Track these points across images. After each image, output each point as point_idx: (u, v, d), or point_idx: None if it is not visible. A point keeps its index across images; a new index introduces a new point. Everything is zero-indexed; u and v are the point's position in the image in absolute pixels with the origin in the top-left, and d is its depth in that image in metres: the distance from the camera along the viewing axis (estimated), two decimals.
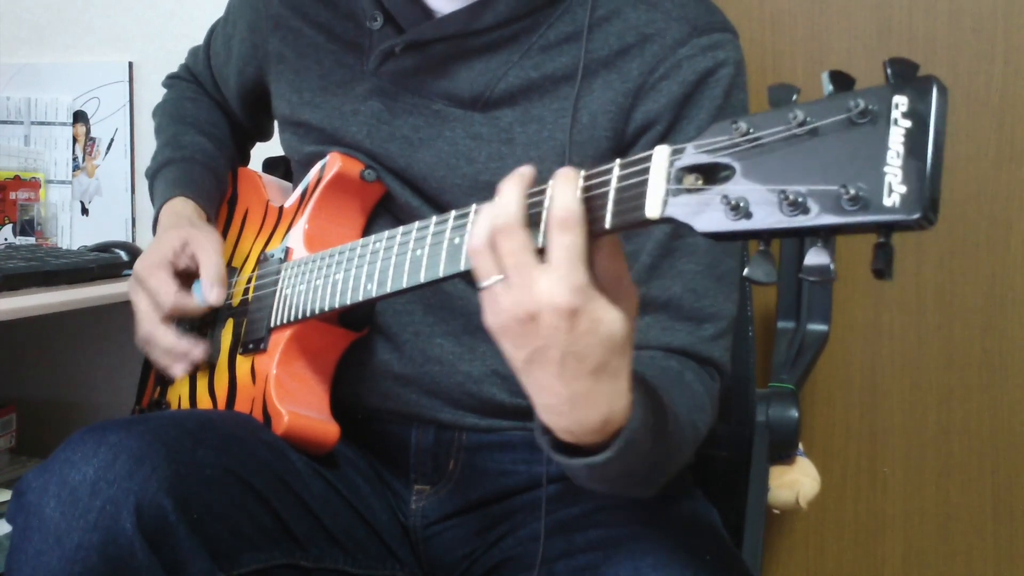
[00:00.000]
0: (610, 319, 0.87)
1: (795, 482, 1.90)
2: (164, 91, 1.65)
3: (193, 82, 1.62)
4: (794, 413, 1.81)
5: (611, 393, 0.90)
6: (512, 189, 0.90)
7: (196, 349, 1.32)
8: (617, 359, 0.89)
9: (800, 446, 1.92)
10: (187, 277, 1.34)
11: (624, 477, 0.97)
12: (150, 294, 1.32)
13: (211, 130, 1.54)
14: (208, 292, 1.31)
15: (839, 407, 2.16)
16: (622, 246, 0.90)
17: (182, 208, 1.41)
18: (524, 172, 0.91)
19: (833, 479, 2.15)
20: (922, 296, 2.09)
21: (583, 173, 0.88)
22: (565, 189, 0.87)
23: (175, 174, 1.46)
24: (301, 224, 1.31)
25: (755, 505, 1.54)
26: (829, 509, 2.17)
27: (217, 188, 1.49)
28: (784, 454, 1.90)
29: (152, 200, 1.50)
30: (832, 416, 2.17)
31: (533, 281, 0.86)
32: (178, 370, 1.33)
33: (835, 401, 2.16)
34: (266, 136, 1.62)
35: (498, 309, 0.89)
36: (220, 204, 1.50)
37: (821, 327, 2.04)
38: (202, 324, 1.40)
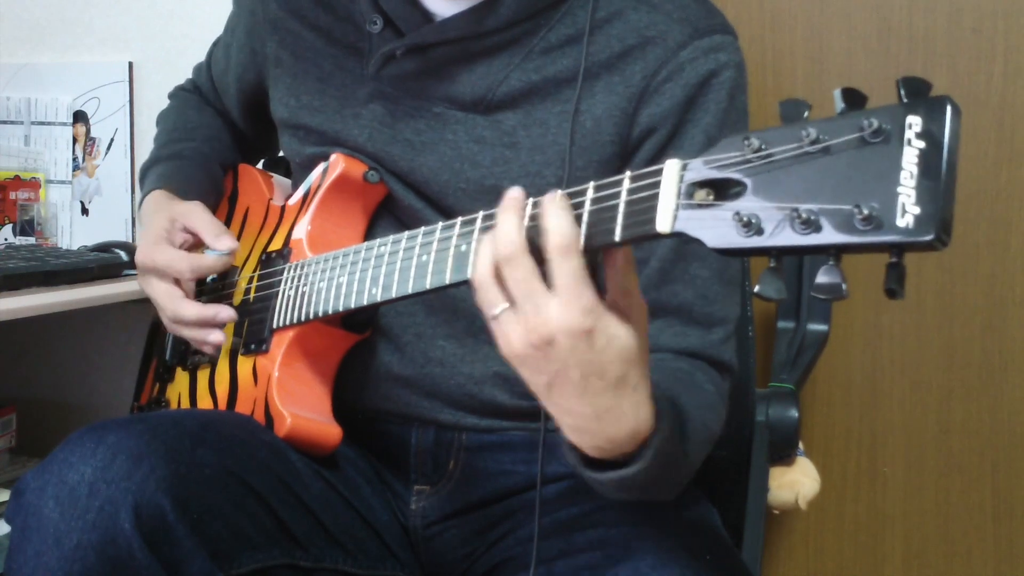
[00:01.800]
0: (623, 333, 0.89)
1: (795, 482, 1.90)
2: (167, 99, 1.65)
3: (197, 94, 1.62)
4: (794, 413, 1.81)
5: (634, 404, 0.91)
6: (510, 217, 0.90)
7: (223, 312, 1.30)
8: (635, 371, 0.90)
9: (800, 446, 1.92)
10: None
11: (653, 484, 0.98)
12: (163, 272, 1.30)
13: (211, 134, 1.54)
14: (217, 243, 1.30)
15: (839, 407, 2.16)
16: (632, 254, 0.91)
17: (160, 196, 1.41)
18: (517, 197, 0.92)
19: (833, 479, 2.15)
20: (922, 296, 2.09)
21: (592, 184, 0.89)
22: (559, 214, 0.88)
23: (164, 170, 1.46)
24: (304, 224, 1.31)
25: (755, 505, 1.54)
26: (829, 509, 2.17)
27: (209, 187, 1.48)
28: (784, 454, 1.90)
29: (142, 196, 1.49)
30: (832, 416, 2.17)
31: (543, 307, 0.87)
32: (214, 338, 1.30)
33: (835, 401, 2.16)
34: (273, 150, 1.62)
35: (513, 338, 0.89)
36: (214, 203, 1.49)
37: (821, 327, 2.04)
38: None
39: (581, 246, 0.88)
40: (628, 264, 0.90)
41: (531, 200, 0.92)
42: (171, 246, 1.32)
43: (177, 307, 1.31)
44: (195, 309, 1.30)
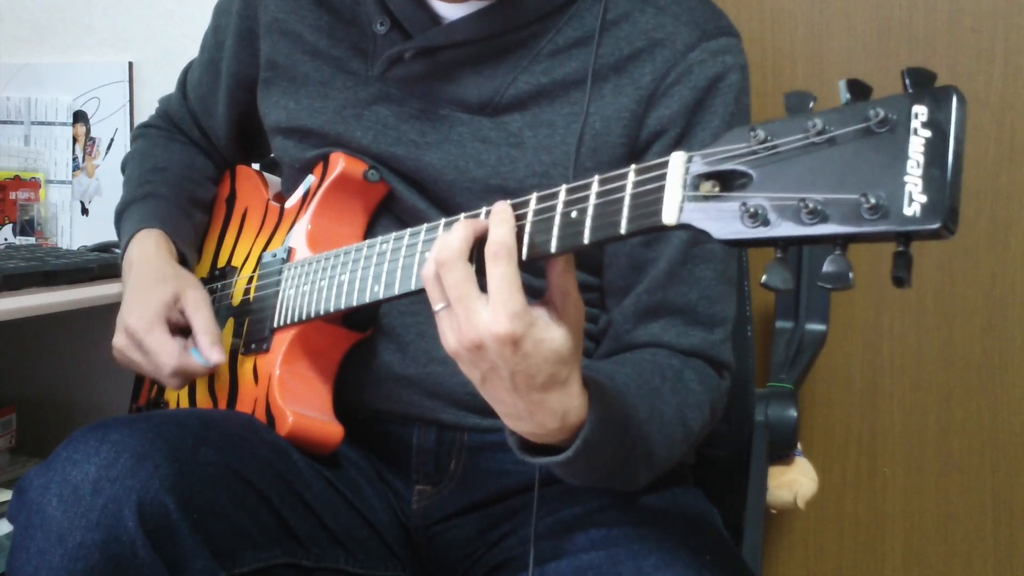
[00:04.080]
0: (552, 337, 0.93)
1: (793, 482, 1.90)
2: (131, 142, 1.63)
3: (166, 128, 1.59)
4: (793, 413, 1.81)
5: (562, 398, 0.95)
6: (461, 227, 0.95)
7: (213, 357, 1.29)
8: (565, 369, 0.95)
9: (799, 446, 1.92)
10: (176, 331, 1.31)
11: (597, 471, 1.03)
12: (149, 355, 1.28)
13: (182, 172, 1.51)
14: (209, 354, 1.27)
15: (839, 407, 2.16)
16: (574, 262, 0.95)
17: (154, 248, 1.38)
18: (475, 219, 0.97)
19: (833, 479, 2.15)
20: (922, 296, 2.09)
21: (597, 178, 0.90)
22: (498, 223, 0.93)
23: (145, 209, 1.44)
24: (304, 224, 1.31)
25: (754, 505, 1.54)
26: (829, 509, 2.16)
27: (190, 228, 1.46)
28: (782, 454, 1.90)
29: (120, 241, 1.46)
30: (832, 416, 2.17)
31: (474, 312, 0.92)
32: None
33: (835, 401, 2.16)
34: None
35: (448, 336, 0.95)
36: (196, 241, 1.48)
37: (819, 327, 2.04)
38: None
39: (585, 240, 0.90)
40: (568, 265, 0.94)
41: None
42: (166, 327, 1.29)
43: (166, 381, 1.30)
44: (180, 382, 1.30)
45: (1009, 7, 2.01)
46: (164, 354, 1.27)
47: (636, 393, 1.07)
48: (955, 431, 2.10)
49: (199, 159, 1.55)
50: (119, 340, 1.31)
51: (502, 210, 0.94)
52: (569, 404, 0.96)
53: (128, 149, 1.62)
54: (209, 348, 1.28)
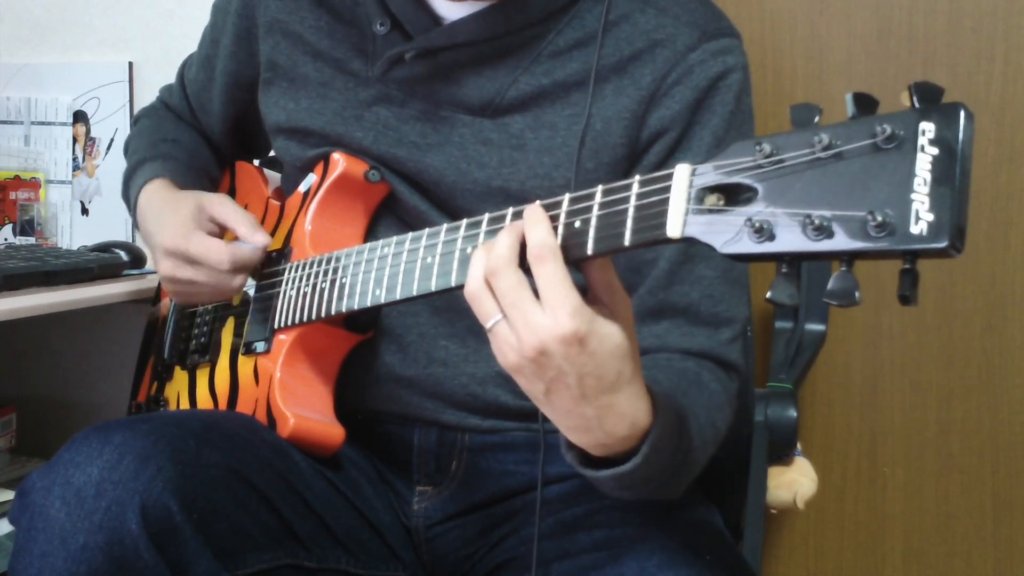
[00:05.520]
0: (613, 331, 0.90)
1: (793, 482, 1.91)
2: (133, 123, 1.63)
3: (171, 112, 1.60)
4: (792, 413, 1.81)
5: (631, 398, 0.93)
6: (505, 234, 0.92)
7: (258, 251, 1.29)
8: (629, 365, 0.92)
9: (799, 446, 1.92)
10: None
11: (652, 481, 0.99)
12: (200, 260, 1.27)
13: (192, 147, 1.52)
14: (252, 237, 1.27)
15: (838, 407, 2.16)
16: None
17: (166, 187, 1.39)
18: (517, 225, 0.94)
19: (833, 479, 2.15)
20: (922, 296, 2.08)
21: (601, 188, 0.90)
22: (534, 224, 0.91)
23: (158, 165, 1.44)
24: (304, 224, 1.30)
25: (754, 505, 1.54)
26: (829, 509, 2.17)
27: (205, 184, 1.47)
28: (782, 454, 1.90)
29: (129, 206, 1.47)
30: (831, 416, 2.17)
31: (531, 316, 0.89)
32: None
33: (834, 401, 2.16)
34: None
35: (507, 349, 0.91)
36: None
37: (819, 327, 2.04)
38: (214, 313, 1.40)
39: (589, 251, 0.89)
40: (607, 260, 0.92)
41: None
42: (203, 231, 1.29)
43: (228, 284, 1.29)
44: (241, 279, 1.29)
45: (1009, 7, 2.01)
46: (213, 252, 1.27)
47: (679, 398, 1.05)
48: (955, 431, 2.10)
49: (204, 142, 1.55)
50: (165, 266, 1.30)
51: (534, 211, 0.92)
52: (638, 406, 0.93)
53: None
54: (251, 233, 1.28)
